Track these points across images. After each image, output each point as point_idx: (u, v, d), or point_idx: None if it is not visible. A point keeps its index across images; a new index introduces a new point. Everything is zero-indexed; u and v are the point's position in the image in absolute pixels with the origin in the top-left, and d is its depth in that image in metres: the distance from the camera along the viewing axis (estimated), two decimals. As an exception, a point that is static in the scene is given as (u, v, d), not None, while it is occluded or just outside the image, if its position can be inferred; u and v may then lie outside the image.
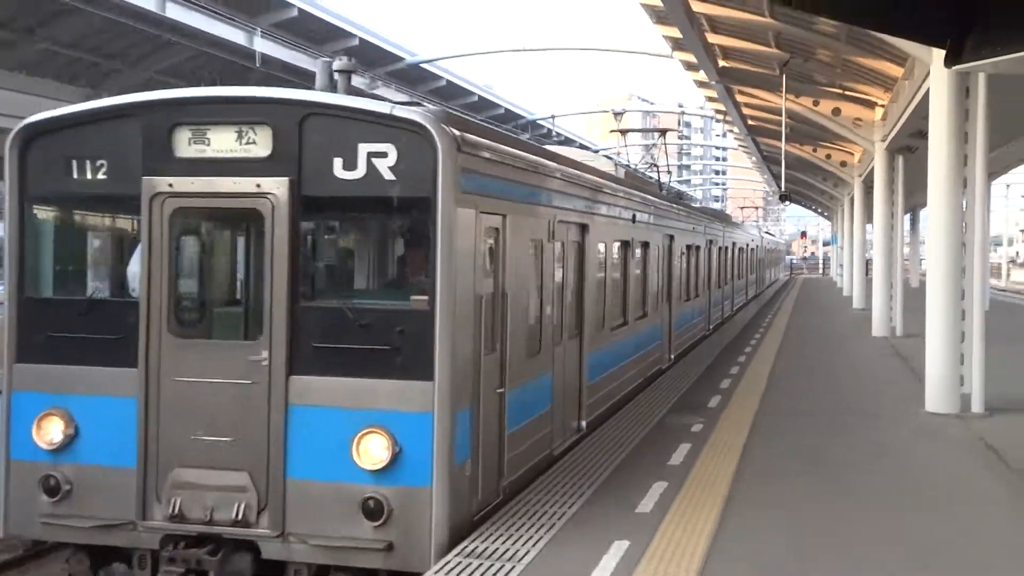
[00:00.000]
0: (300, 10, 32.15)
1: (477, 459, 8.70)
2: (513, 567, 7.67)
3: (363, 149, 8.07)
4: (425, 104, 9.97)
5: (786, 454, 12.38)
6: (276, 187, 8.14)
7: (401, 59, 40.01)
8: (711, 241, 28.36)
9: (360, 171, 8.06)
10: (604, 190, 14.37)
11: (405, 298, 8.41)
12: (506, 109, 53.45)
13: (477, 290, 8.67)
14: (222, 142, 8.34)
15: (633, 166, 29.85)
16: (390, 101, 9.24)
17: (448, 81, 45.18)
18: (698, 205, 47.05)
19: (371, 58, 37.29)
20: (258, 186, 8.17)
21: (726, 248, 33.05)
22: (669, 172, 30.34)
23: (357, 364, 8.03)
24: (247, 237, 9.06)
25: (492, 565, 7.68)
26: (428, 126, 7.97)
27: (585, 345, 13.06)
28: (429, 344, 7.89)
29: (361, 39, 36.25)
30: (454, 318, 8.04)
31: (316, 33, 33.88)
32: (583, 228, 12.91)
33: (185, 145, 8.39)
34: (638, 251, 17.28)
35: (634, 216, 16.55)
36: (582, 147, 45.89)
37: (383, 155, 8.03)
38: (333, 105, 8.40)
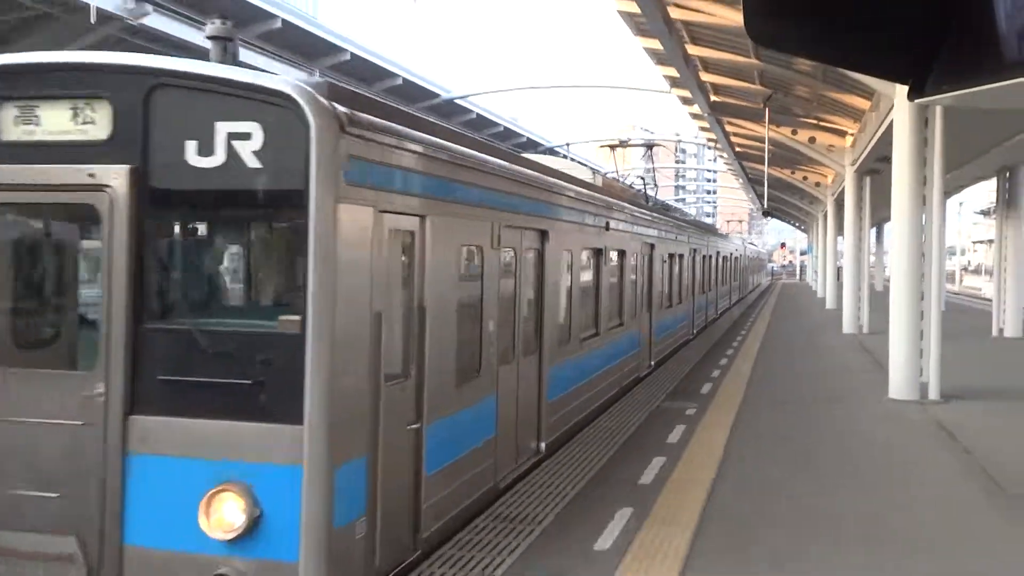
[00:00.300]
0: (352, 54, 32.32)
1: (375, 516, 6.22)
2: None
3: (221, 129, 5.65)
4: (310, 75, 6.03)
5: (768, 430, 12.36)
6: (114, 177, 5.70)
7: (437, 95, 40.10)
8: (695, 250, 26.69)
9: (218, 157, 5.65)
10: (568, 194, 11.80)
11: (272, 318, 5.80)
12: (527, 138, 53.42)
13: (376, 306, 6.21)
14: (55, 121, 5.92)
15: (622, 179, 28.08)
16: (259, 69, 6.98)
17: (478, 114, 45.21)
18: (690, 218, 46.51)
19: (412, 94, 37.40)
20: (91, 176, 5.74)
21: (710, 256, 31.43)
22: (655, 185, 29.28)
23: (212, 402, 5.62)
24: (81, 240, 6.66)
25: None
26: (299, 99, 5.51)
27: (545, 361, 10.62)
28: (299, 377, 5.51)
29: (404, 79, 36.40)
30: (334, 343, 5.63)
31: (365, 73, 33.96)
32: (542, 234, 10.50)
33: (10, 125, 5.95)
34: (613, 259, 14.85)
35: (607, 224, 14.15)
36: (593, 171, 45.76)
37: (246, 136, 5.65)
38: (184, 73, 5.85)
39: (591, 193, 13.47)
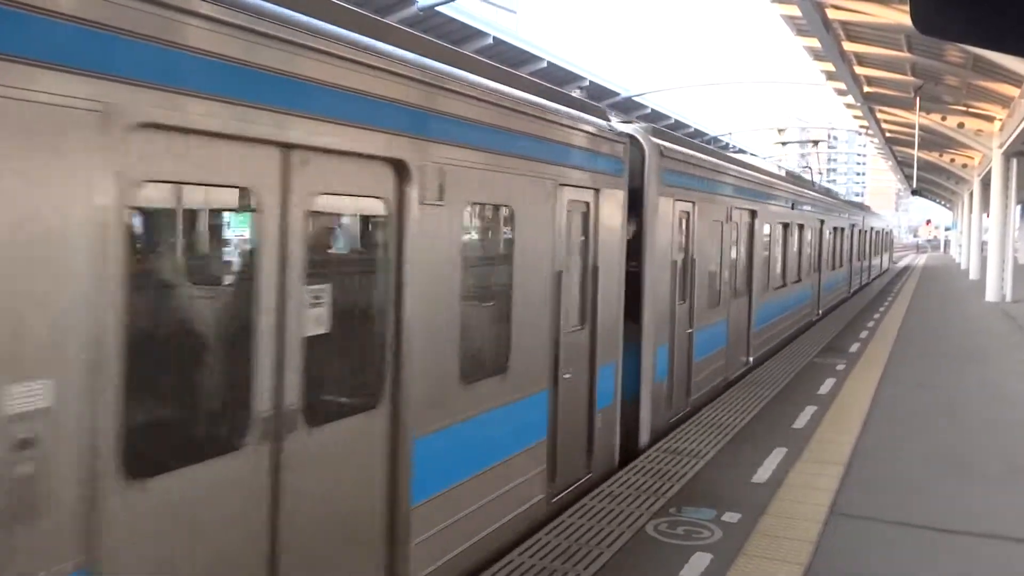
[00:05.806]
0: (548, 62, 32.36)
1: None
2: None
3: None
4: None
5: (913, 382, 11.53)
6: None
7: (618, 94, 39.52)
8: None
9: None
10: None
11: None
12: (695, 129, 51.81)
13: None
14: None
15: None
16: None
17: (652, 109, 44.22)
18: (846, 198, 44.51)
19: (598, 95, 37.06)
20: None
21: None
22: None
23: None
24: None
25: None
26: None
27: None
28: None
29: (591, 81, 36.14)
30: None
31: (558, 78, 33.88)
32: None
33: None
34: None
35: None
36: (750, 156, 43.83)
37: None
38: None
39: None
